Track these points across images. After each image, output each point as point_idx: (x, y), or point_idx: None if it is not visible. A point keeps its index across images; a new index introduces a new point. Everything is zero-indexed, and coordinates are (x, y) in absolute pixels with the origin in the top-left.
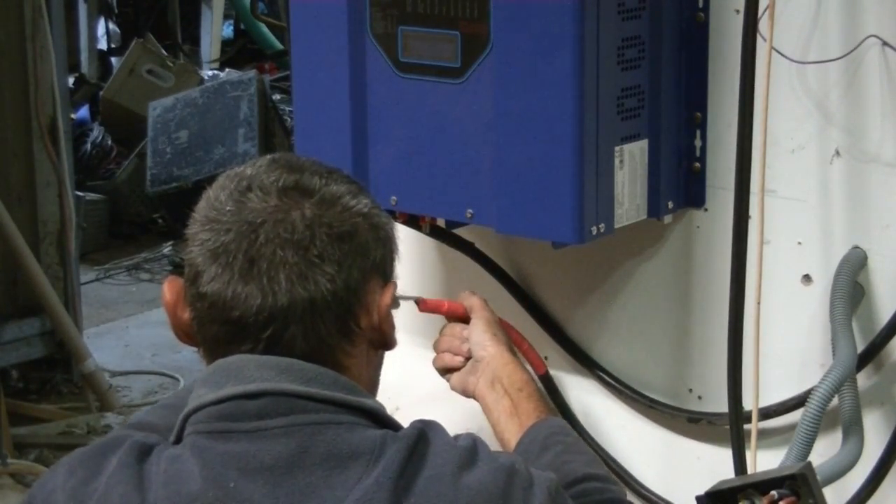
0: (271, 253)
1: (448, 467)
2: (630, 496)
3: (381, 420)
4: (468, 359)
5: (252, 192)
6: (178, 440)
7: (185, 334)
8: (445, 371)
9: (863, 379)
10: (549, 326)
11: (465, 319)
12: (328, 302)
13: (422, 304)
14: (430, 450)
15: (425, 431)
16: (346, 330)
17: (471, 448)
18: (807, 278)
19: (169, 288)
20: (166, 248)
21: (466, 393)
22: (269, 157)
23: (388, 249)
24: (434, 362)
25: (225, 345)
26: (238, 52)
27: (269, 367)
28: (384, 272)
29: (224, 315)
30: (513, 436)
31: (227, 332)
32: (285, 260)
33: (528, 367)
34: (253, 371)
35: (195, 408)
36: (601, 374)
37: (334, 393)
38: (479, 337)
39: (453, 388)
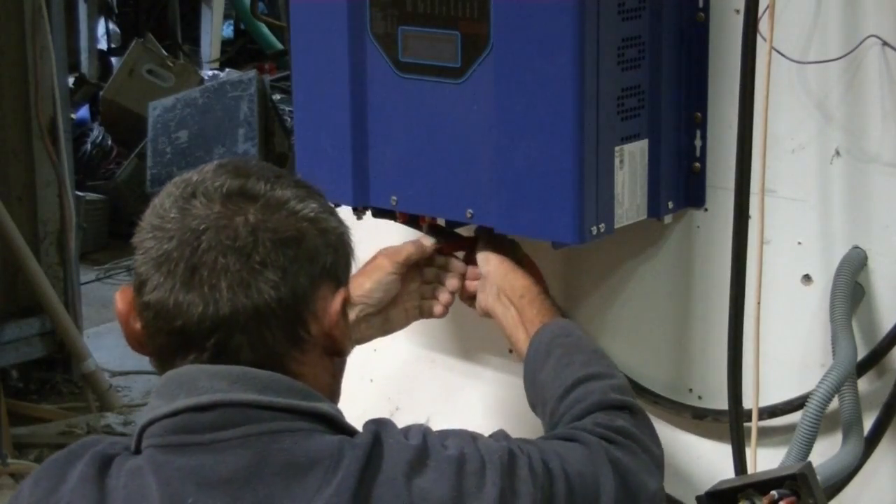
0: (213, 260)
1: (400, 470)
2: None
3: (337, 425)
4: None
5: (196, 199)
6: (138, 450)
7: (139, 344)
8: (471, 298)
9: (864, 384)
10: None
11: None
12: (273, 309)
13: (445, 249)
14: (383, 454)
15: (379, 434)
16: (295, 338)
17: (420, 447)
18: (807, 278)
19: (121, 298)
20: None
21: (484, 311)
22: (216, 162)
23: (340, 254)
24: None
25: (172, 355)
26: (238, 52)
27: (221, 377)
28: (336, 277)
29: (168, 324)
30: (522, 345)
31: (173, 341)
32: (227, 267)
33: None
34: (204, 382)
35: (150, 420)
36: None
37: (289, 400)
38: (482, 255)
39: (479, 312)
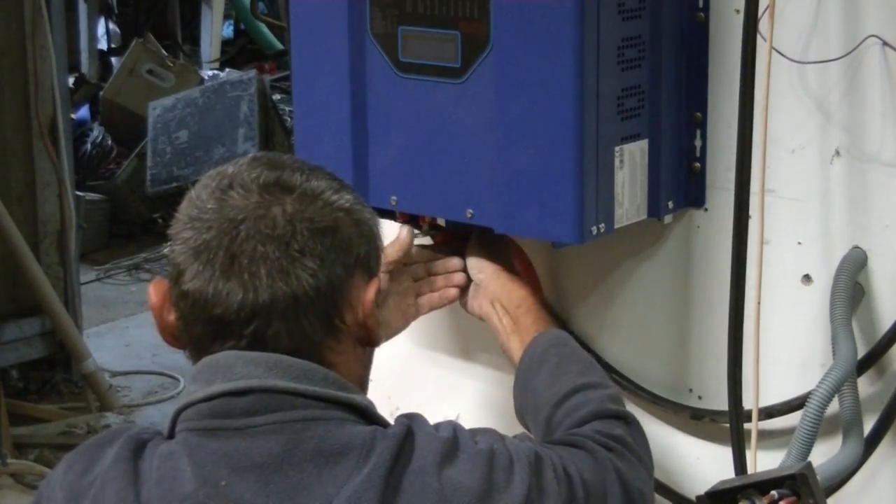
0: (252, 249)
1: (431, 461)
2: None
3: (369, 417)
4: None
5: (233, 190)
6: (171, 436)
7: (172, 336)
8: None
9: (864, 383)
10: None
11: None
12: (311, 297)
13: (437, 239)
14: (415, 445)
15: (411, 427)
16: (331, 326)
17: (451, 439)
18: (807, 278)
19: (155, 290)
20: (166, 248)
21: (474, 314)
22: (250, 155)
23: (371, 245)
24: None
25: (209, 344)
26: (238, 52)
27: (258, 363)
28: (368, 268)
29: (206, 313)
30: (516, 353)
31: (210, 330)
32: (266, 255)
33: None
34: (241, 368)
35: (186, 404)
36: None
37: (324, 389)
38: (475, 261)
39: (468, 312)
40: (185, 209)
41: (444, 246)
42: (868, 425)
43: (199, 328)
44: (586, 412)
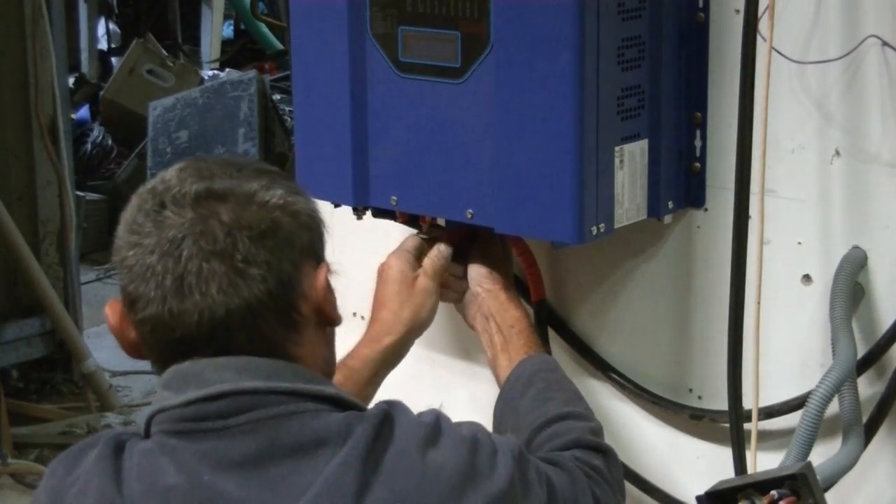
0: (197, 268)
1: (413, 443)
2: (631, 492)
3: (342, 404)
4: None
5: (167, 210)
6: (146, 436)
7: (136, 352)
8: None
9: (864, 383)
10: (551, 324)
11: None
12: (265, 302)
13: (441, 238)
14: (395, 428)
15: (390, 411)
16: (290, 322)
17: (434, 424)
18: (807, 278)
19: (111, 312)
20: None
21: (467, 323)
22: (176, 166)
23: (314, 232)
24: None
25: (175, 359)
26: (238, 52)
27: (228, 368)
28: (314, 254)
29: (167, 336)
30: (503, 371)
31: (173, 349)
32: (213, 271)
33: (524, 304)
34: (211, 374)
35: (159, 409)
36: (604, 370)
37: (295, 385)
38: (477, 272)
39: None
40: (123, 235)
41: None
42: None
43: (161, 348)
44: (568, 439)
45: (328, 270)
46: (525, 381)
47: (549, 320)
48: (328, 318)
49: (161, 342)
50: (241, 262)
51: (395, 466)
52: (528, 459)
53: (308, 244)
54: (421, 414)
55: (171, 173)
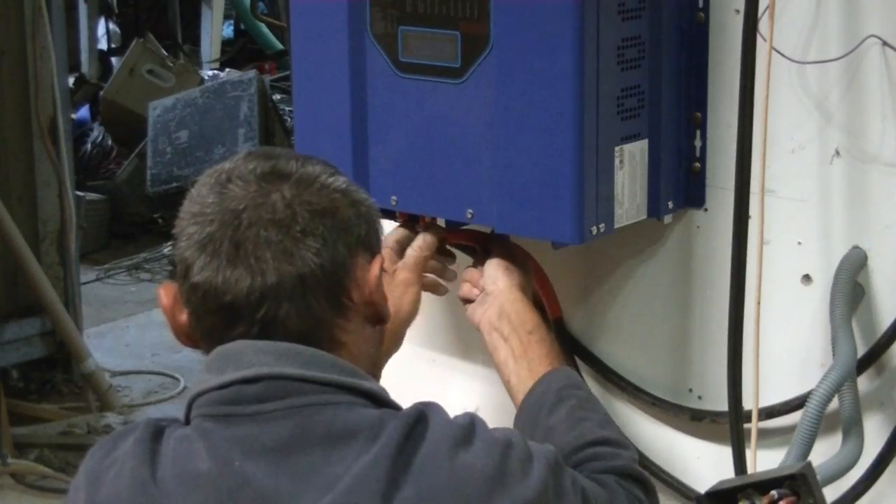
0: (255, 235)
1: (444, 444)
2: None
3: (379, 401)
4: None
5: (232, 183)
6: (187, 422)
7: (185, 336)
8: (465, 301)
9: (863, 382)
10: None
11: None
12: (317, 276)
13: (458, 237)
14: (428, 428)
15: (424, 412)
16: (339, 304)
17: (468, 426)
18: (807, 278)
19: (165, 292)
20: (166, 248)
21: (475, 324)
22: (245, 151)
23: (370, 225)
24: (458, 291)
25: (221, 333)
26: (238, 52)
27: (267, 351)
28: (370, 246)
29: (217, 302)
30: (521, 380)
31: (222, 319)
32: (269, 239)
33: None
34: (251, 356)
35: (199, 392)
36: (603, 371)
37: (332, 375)
38: (493, 270)
39: (469, 318)
40: (186, 207)
41: (461, 247)
42: (868, 425)
43: (211, 319)
44: (610, 465)
45: (383, 265)
46: (554, 394)
47: (571, 342)
48: (378, 313)
49: (211, 310)
50: (299, 233)
51: (425, 466)
52: (564, 468)
53: (365, 235)
54: (456, 417)
55: (239, 155)
